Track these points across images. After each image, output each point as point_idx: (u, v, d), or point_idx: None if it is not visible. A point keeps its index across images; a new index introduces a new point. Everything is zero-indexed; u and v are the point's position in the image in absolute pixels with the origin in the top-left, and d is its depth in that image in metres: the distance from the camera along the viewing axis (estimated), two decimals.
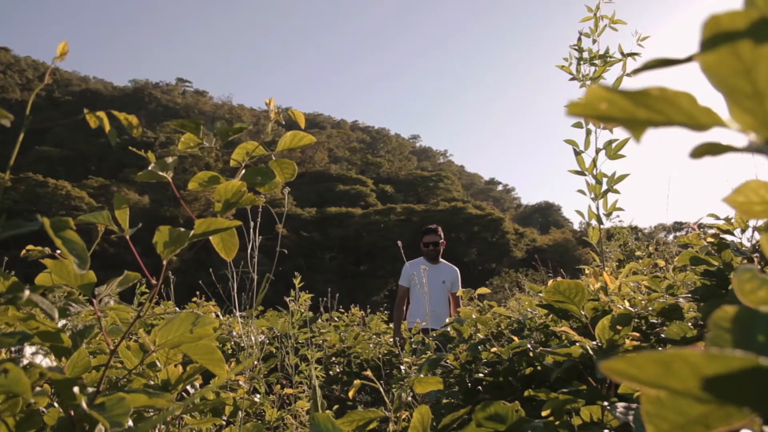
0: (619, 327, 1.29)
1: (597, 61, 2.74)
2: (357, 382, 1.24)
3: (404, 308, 5.83)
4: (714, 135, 0.36)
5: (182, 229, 0.86)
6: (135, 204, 56.53)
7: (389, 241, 52.70)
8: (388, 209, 63.53)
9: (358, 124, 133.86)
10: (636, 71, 0.38)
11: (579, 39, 2.82)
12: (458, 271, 6.06)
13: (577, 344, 1.27)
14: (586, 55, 2.78)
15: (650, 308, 1.70)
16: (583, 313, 1.35)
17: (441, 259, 6.00)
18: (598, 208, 2.57)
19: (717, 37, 0.33)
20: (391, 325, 6.45)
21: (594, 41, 2.81)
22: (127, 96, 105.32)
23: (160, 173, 0.87)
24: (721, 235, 1.72)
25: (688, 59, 0.36)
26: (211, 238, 0.89)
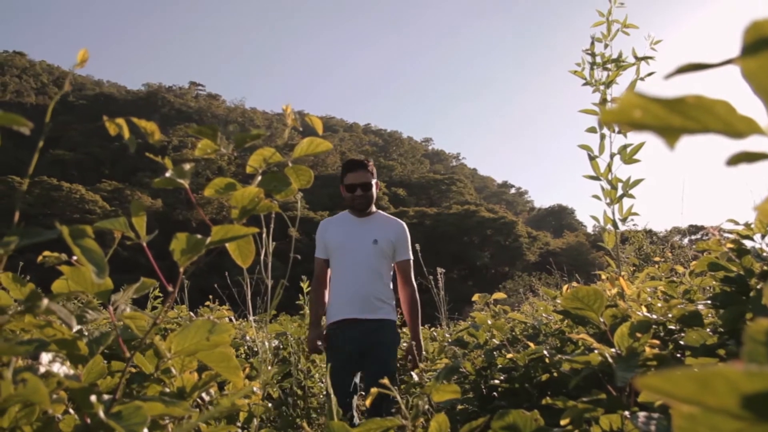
0: (638, 334, 1.27)
1: (610, 66, 2.72)
2: (374, 390, 1.23)
3: (323, 291, 3.77)
4: (751, 143, 0.35)
5: (199, 236, 0.86)
6: (148, 208, 56.89)
7: None
8: (401, 212, 63.51)
9: (371, 127, 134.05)
10: (669, 75, 0.37)
11: (592, 44, 2.81)
12: (404, 226, 3.82)
13: (596, 351, 1.25)
14: (598, 59, 2.76)
15: (669, 315, 1.67)
16: (601, 320, 1.33)
17: (377, 210, 3.83)
18: (613, 213, 2.55)
19: (759, 43, 0.32)
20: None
21: (606, 45, 2.79)
22: (140, 100, 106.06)
23: (178, 180, 0.87)
24: (741, 241, 1.69)
25: (725, 63, 0.35)
26: (227, 244, 0.88)
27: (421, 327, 3.71)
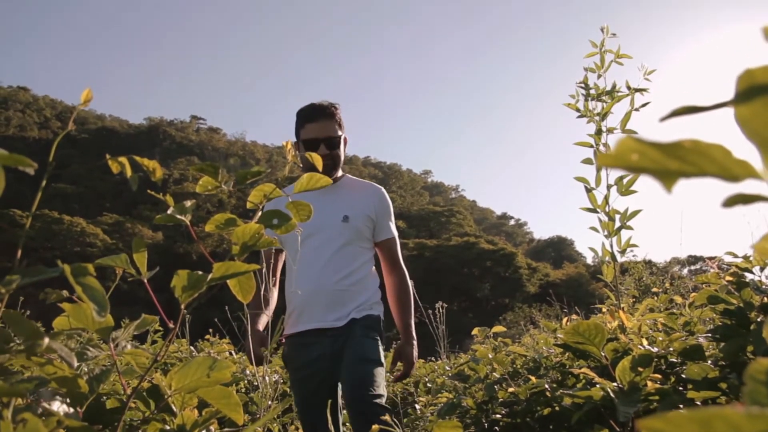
0: (640, 369, 1.27)
1: (605, 97, 2.74)
2: (375, 427, 1.22)
3: (268, 290, 2.68)
4: (747, 185, 0.36)
5: (200, 273, 0.86)
6: (149, 240, 56.85)
7: None
8: (401, 244, 63.23)
9: (370, 160, 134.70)
10: (664, 118, 0.38)
11: (585, 76, 2.82)
12: (384, 193, 2.87)
13: (598, 386, 1.25)
14: (593, 91, 2.78)
15: (671, 348, 1.67)
16: (603, 354, 1.33)
17: (344, 174, 2.88)
18: (612, 246, 2.55)
19: (751, 90, 0.33)
20: None
21: (599, 76, 2.80)
22: (142, 133, 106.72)
23: (179, 217, 0.87)
24: (740, 273, 1.70)
25: (718, 106, 0.36)
26: (229, 282, 0.89)
27: (414, 323, 2.75)
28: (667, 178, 0.36)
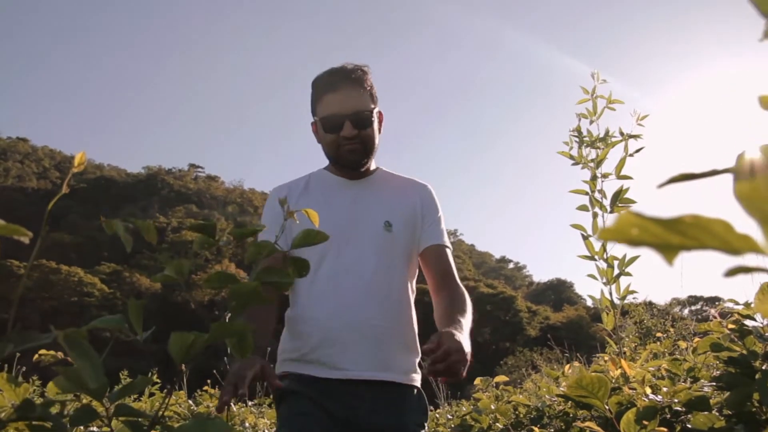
0: (645, 422, 1.25)
1: (599, 144, 2.75)
2: None
3: (272, 310, 1.91)
4: (749, 258, 0.37)
5: (197, 334, 0.86)
6: (147, 289, 56.58)
7: None
8: None
9: None
10: (661, 185, 0.39)
11: (578, 125, 2.84)
12: (432, 190, 2.20)
13: None
14: (586, 138, 2.79)
15: (676, 399, 1.65)
16: (607, 407, 1.31)
17: (380, 168, 2.19)
18: (611, 293, 2.53)
19: (751, 167, 0.34)
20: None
21: (592, 122, 2.82)
22: (140, 182, 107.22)
23: (176, 276, 0.87)
24: (743, 321, 1.69)
25: (714, 173, 0.37)
26: (227, 340, 0.88)
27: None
28: (668, 251, 0.36)
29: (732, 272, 0.36)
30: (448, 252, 2.08)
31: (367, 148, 2.01)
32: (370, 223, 1.98)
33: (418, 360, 2.01)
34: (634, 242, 0.36)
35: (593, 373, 1.24)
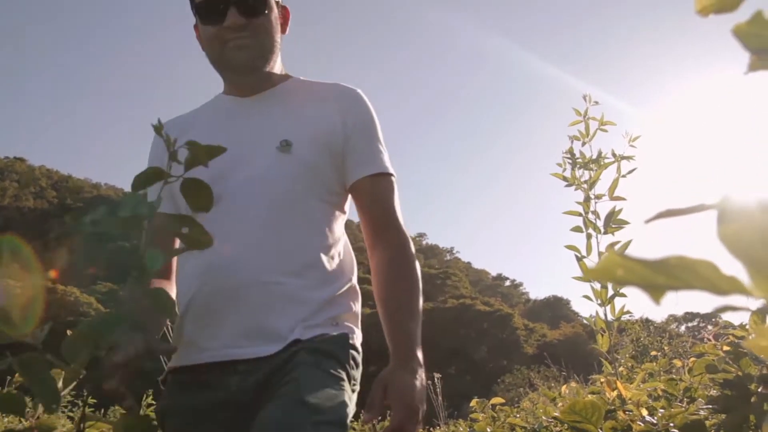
0: None
1: (592, 165, 2.76)
2: None
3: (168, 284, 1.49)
4: (735, 299, 0.37)
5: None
6: None
7: None
8: None
9: None
10: (648, 221, 0.39)
11: (570, 147, 2.85)
12: (361, 96, 1.57)
13: None
14: (579, 160, 2.80)
15: (672, 423, 1.65)
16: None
17: (294, 77, 1.62)
18: (606, 314, 2.53)
19: (734, 210, 0.34)
20: None
21: (584, 144, 2.84)
22: None
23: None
24: (738, 343, 1.69)
25: (699, 209, 0.37)
26: None
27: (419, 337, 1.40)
28: (654, 291, 0.36)
29: (720, 310, 0.36)
30: (387, 185, 1.54)
31: (261, 44, 1.49)
32: (262, 145, 1.47)
33: (349, 304, 1.50)
34: (620, 282, 0.36)
35: (587, 398, 1.24)
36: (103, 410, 6.94)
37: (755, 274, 0.35)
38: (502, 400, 2.56)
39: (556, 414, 1.80)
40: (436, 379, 4.19)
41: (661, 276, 0.36)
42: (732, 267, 0.35)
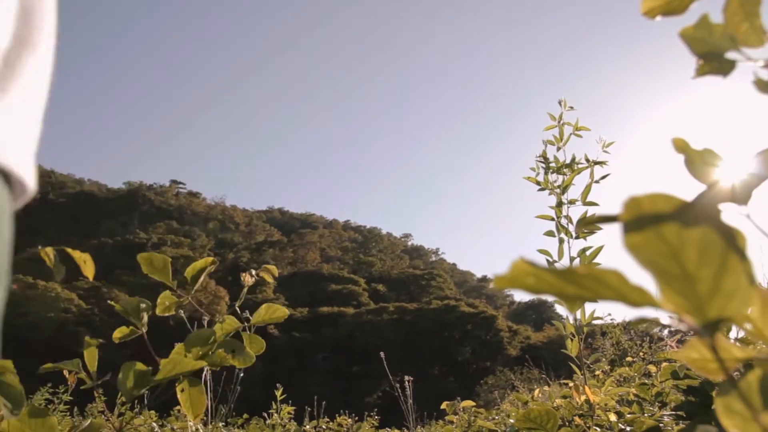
0: None
1: (565, 170, 2.77)
2: None
3: None
4: (647, 311, 0.36)
5: (147, 369, 0.86)
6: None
7: (382, 341, 51.82)
8: (381, 308, 62.91)
9: (350, 224, 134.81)
10: (580, 225, 0.41)
11: (544, 150, 2.86)
12: None
13: None
14: (552, 164, 2.81)
15: (628, 428, 1.67)
16: None
17: None
18: (576, 319, 2.55)
19: (640, 220, 0.33)
20: None
21: (559, 149, 2.85)
22: (121, 198, 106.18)
23: (129, 314, 0.88)
24: None
25: (611, 219, 0.36)
26: (179, 394, 0.88)
27: None
28: (567, 300, 0.36)
29: (635, 323, 0.37)
30: None
31: None
32: None
33: None
34: (531, 290, 0.36)
35: (540, 406, 1.25)
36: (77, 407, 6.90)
37: (665, 287, 0.35)
38: (473, 404, 2.58)
39: (511, 421, 1.82)
40: (407, 382, 4.18)
41: (571, 285, 0.35)
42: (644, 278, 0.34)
